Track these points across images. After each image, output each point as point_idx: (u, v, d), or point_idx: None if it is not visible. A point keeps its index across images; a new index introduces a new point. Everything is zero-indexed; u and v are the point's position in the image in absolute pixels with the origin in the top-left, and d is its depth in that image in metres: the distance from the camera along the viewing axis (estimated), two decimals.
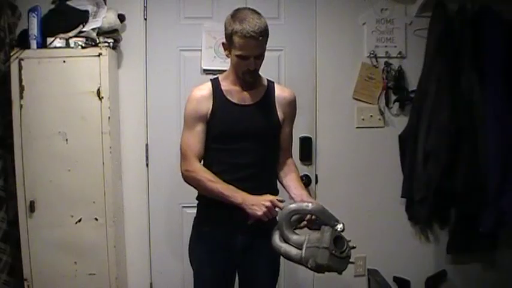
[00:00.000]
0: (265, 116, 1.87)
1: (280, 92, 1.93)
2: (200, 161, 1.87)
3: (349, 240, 1.72)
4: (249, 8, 1.81)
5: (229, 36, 1.76)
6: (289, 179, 1.93)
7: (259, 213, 1.70)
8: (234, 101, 1.86)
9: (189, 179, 1.84)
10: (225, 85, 1.88)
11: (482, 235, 2.51)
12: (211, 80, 1.93)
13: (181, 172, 1.86)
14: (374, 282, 2.59)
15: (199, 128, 1.85)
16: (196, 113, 1.86)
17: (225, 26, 1.79)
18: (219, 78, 1.92)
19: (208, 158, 1.90)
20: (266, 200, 1.71)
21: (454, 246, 2.66)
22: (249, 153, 1.83)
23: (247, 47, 1.73)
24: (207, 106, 1.84)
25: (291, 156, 2.02)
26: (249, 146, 1.83)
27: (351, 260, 1.73)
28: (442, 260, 2.75)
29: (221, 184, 1.77)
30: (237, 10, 1.80)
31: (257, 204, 1.71)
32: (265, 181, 1.88)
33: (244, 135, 1.83)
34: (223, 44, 1.84)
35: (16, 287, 2.37)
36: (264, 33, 1.74)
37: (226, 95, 1.86)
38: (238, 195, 1.74)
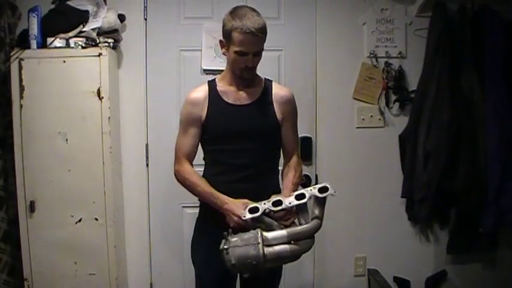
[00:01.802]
0: (262, 115, 1.87)
1: (278, 91, 1.93)
2: (191, 162, 1.89)
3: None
4: (248, 6, 1.82)
5: (228, 32, 1.77)
6: (284, 183, 1.91)
7: (231, 224, 1.73)
8: (230, 101, 1.86)
9: (179, 180, 1.89)
10: (221, 86, 1.89)
11: (482, 235, 2.51)
12: (208, 81, 1.93)
13: (174, 172, 1.90)
14: (374, 282, 2.59)
15: (192, 131, 1.87)
16: (189, 116, 1.88)
17: (223, 23, 1.80)
18: (216, 80, 1.93)
19: (208, 160, 1.91)
20: (235, 214, 1.73)
21: (454, 246, 2.66)
22: (247, 154, 1.83)
23: (246, 43, 1.74)
24: (202, 109, 1.85)
25: (297, 156, 1.98)
26: (246, 146, 1.82)
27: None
28: (442, 260, 2.75)
29: (203, 188, 1.81)
30: (236, 8, 1.81)
31: (230, 214, 1.74)
32: (265, 182, 1.87)
33: (241, 136, 1.82)
34: (220, 41, 1.85)
35: (16, 287, 2.37)
36: (263, 31, 1.76)
37: (222, 95, 1.87)
38: (217, 201, 1.78)
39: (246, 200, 1.74)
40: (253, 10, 1.79)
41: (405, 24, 2.68)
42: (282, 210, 1.66)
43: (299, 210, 1.70)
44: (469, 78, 2.49)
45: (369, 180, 2.71)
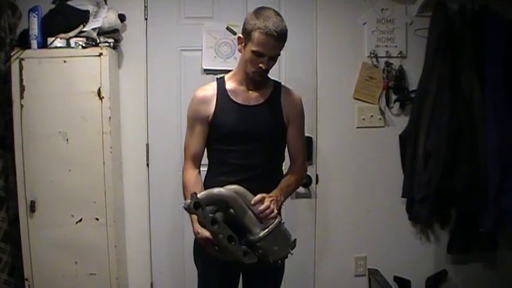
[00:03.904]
0: (269, 117, 1.86)
1: (286, 94, 1.93)
2: (198, 162, 1.90)
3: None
4: (273, 9, 1.80)
5: (249, 31, 1.75)
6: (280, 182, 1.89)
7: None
8: (238, 101, 1.85)
9: (182, 183, 1.90)
10: (230, 85, 1.88)
11: (482, 235, 2.51)
12: (217, 79, 1.93)
13: None
14: (374, 282, 2.59)
15: (199, 129, 1.87)
16: (196, 114, 1.87)
17: (245, 20, 1.79)
18: (225, 78, 1.92)
19: (213, 159, 1.90)
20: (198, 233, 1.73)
21: (455, 246, 2.66)
22: (253, 155, 1.82)
23: (265, 45, 1.73)
24: (209, 107, 1.85)
25: (302, 162, 1.95)
26: (253, 147, 1.82)
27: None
28: (443, 260, 2.75)
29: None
30: (261, 8, 1.79)
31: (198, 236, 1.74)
32: (270, 183, 1.85)
33: (248, 136, 1.82)
34: (239, 38, 1.82)
35: (17, 287, 2.37)
36: (283, 36, 1.76)
37: (231, 95, 1.86)
38: (193, 223, 1.76)
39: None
40: (278, 14, 1.78)
41: (406, 24, 2.67)
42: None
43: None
44: (469, 78, 2.49)
45: (369, 180, 2.71)
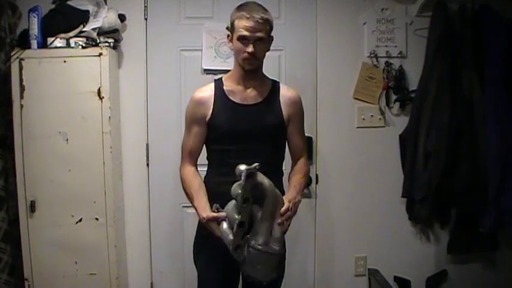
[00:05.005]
0: (268, 116, 1.86)
1: (285, 92, 1.93)
2: (195, 159, 1.91)
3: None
4: (255, 2, 1.87)
5: (232, 22, 1.81)
6: (289, 185, 1.90)
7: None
8: (236, 100, 1.86)
9: (180, 179, 1.90)
10: (228, 85, 1.89)
11: (482, 235, 2.51)
12: (215, 80, 1.94)
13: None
14: (374, 282, 2.59)
15: (196, 130, 1.88)
16: (193, 115, 1.88)
17: (230, 17, 1.85)
18: (223, 78, 1.93)
19: (213, 159, 1.91)
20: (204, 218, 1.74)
21: (455, 246, 2.66)
22: (252, 154, 1.79)
23: (246, 27, 1.77)
24: (207, 108, 1.85)
25: (305, 158, 1.97)
26: (252, 146, 1.82)
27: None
28: (443, 260, 2.75)
29: (192, 199, 1.82)
30: (244, 3, 1.86)
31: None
32: None
33: (246, 136, 1.82)
34: (227, 36, 1.87)
35: (17, 287, 2.37)
36: (263, 18, 1.79)
37: (228, 95, 1.86)
38: (198, 211, 1.77)
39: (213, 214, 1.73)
40: (259, 5, 1.84)
41: (406, 24, 2.67)
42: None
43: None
44: (469, 78, 2.49)
45: (369, 180, 2.71)
